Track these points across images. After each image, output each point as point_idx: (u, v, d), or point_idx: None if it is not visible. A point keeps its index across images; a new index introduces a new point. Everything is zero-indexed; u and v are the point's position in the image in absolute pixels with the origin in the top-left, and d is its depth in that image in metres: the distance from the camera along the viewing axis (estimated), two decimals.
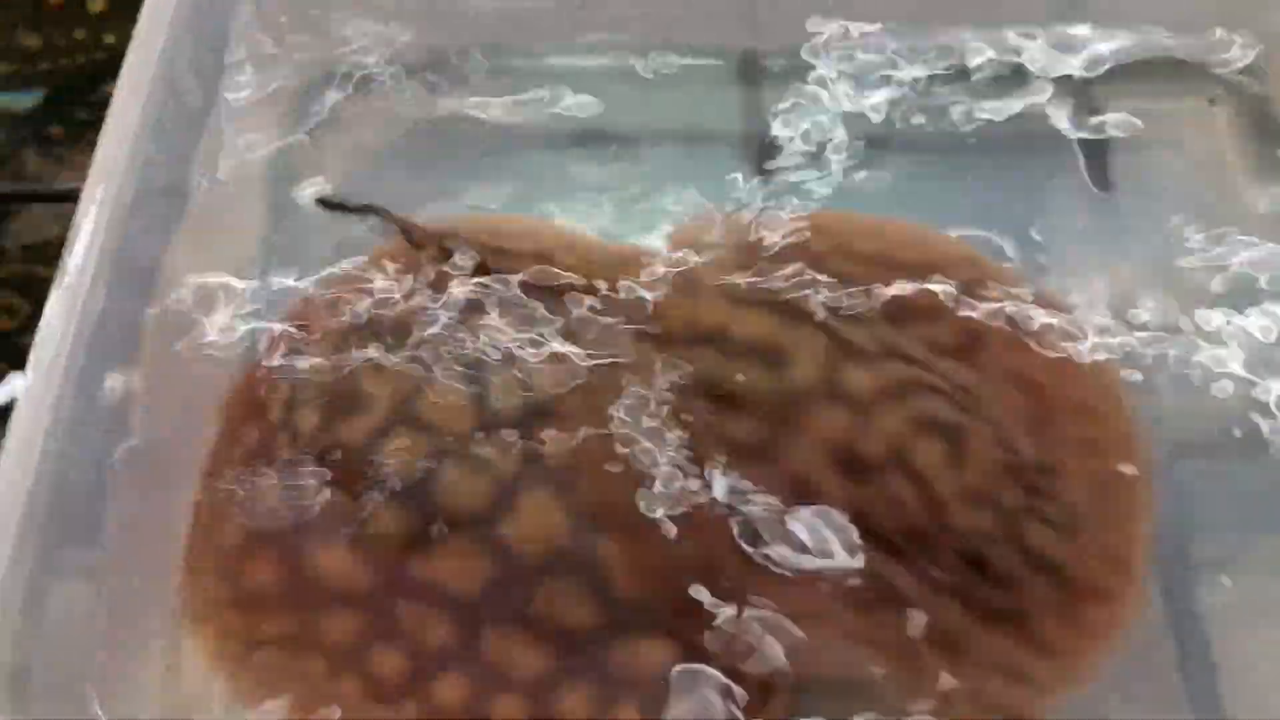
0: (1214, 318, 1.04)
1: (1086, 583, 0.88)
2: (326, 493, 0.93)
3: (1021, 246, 1.11)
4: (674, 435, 0.93)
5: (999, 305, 1.01)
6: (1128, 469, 0.94)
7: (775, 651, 0.87)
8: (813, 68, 1.22)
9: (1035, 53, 1.21)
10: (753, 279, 1.03)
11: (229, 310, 1.07)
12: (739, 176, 1.15)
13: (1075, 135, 1.17)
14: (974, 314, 1.00)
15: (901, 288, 1.02)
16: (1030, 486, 0.90)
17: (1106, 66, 1.21)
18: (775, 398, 0.94)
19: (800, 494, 0.90)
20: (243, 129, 1.18)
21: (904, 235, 1.08)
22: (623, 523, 0.90)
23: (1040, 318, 1.01)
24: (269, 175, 1.17)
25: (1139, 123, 1.18)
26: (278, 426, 0.97)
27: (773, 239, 1.07)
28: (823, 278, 1.02)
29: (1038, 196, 1.15)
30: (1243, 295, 1.06)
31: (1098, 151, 1.17)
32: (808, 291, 1.01)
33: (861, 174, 1.15)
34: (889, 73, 1.22)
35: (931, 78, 1.22)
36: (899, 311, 1.01)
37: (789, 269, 1.03)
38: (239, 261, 1.10)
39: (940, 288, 1.02)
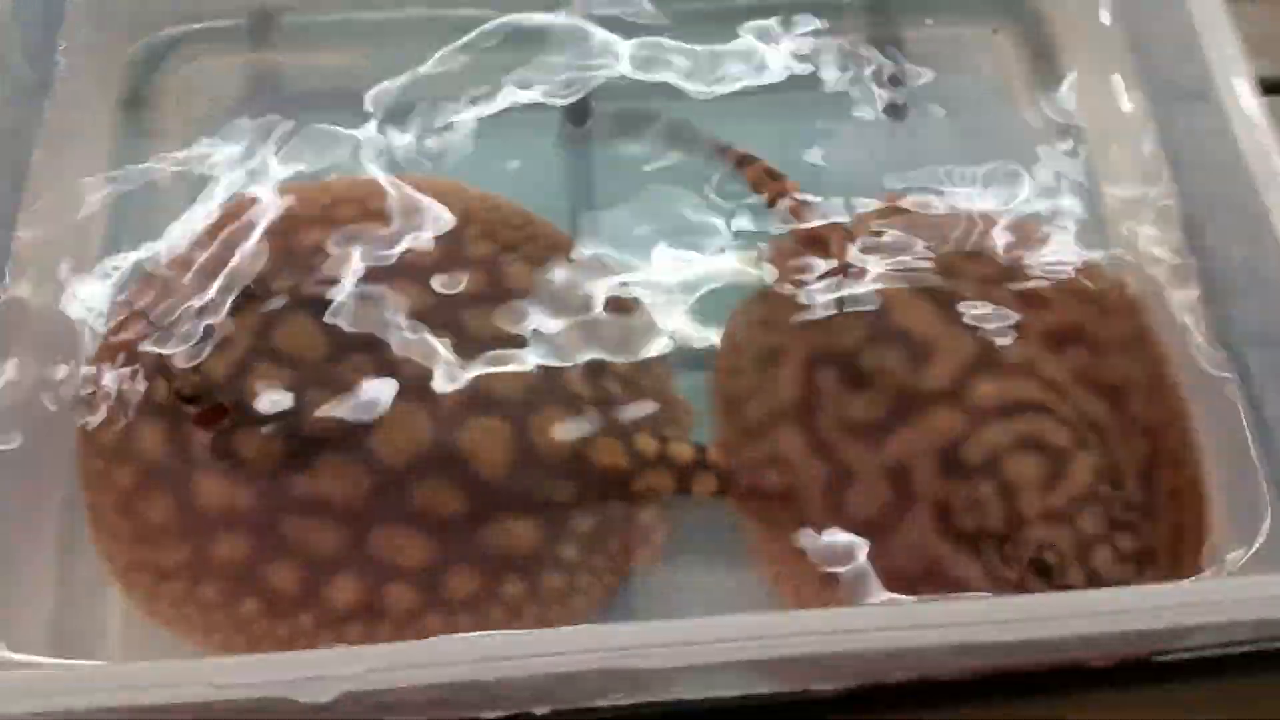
0: None
1: None
2: (201, 432, 0.99)
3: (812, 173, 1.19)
4: None
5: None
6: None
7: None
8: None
9: None
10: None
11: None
12: None
13: (869, 67, 1.27)
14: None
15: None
16: (1116, 521, 0.94)
17: None
18: (900, 385, 1.01)
19: (892, 479, 0.98)
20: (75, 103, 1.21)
21: None
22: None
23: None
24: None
25: (929, 51, 1.28)
26: (151, 371, 1.02)
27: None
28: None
29: (833, 126, 1.25)
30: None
31: (895, 81, 1.27)
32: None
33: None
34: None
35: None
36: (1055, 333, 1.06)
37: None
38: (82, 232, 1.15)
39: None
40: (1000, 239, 1.14)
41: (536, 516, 0.98)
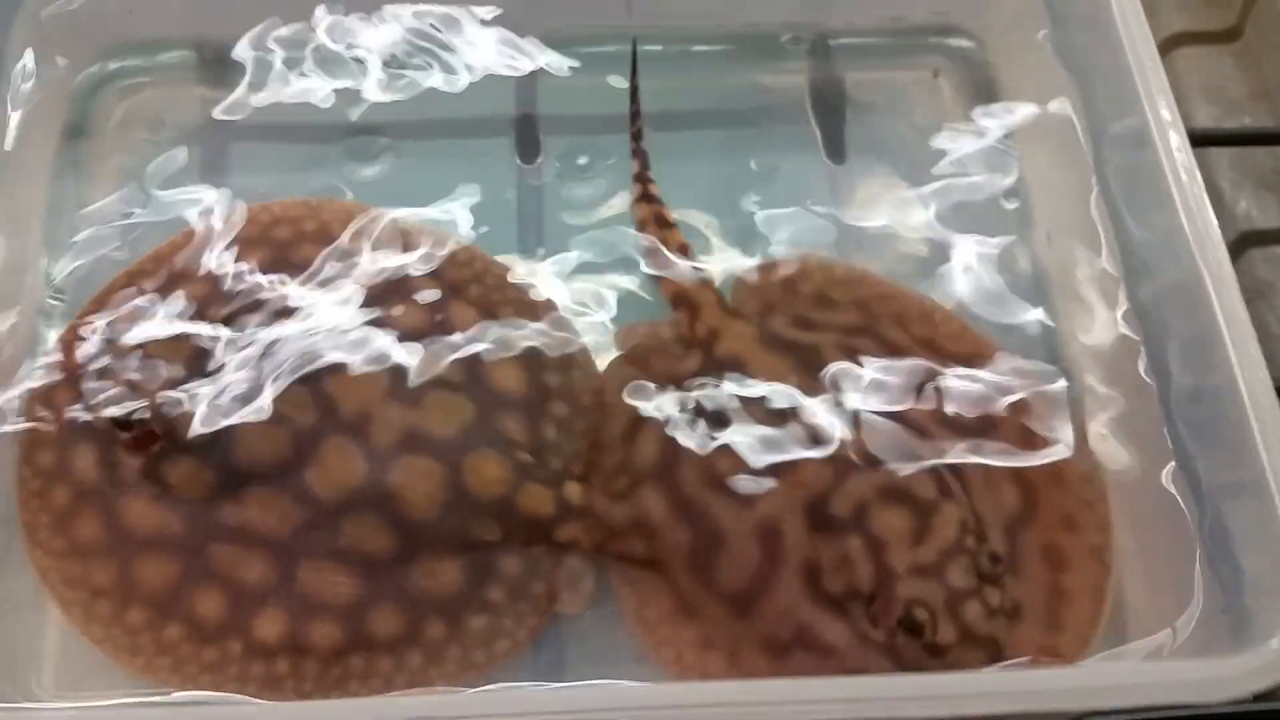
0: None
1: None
2: (133, 457, 1.01)
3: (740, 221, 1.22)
4: None
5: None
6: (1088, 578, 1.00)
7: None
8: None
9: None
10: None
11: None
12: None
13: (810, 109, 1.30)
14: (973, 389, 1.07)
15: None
16: (984, 574, 0.94)
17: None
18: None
19: (761, 531, 0.98)
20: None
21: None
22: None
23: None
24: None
25: (870, 96, 1.30)
26: (81, 394, 1.04)
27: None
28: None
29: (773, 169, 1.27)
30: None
31: (834, 125, 1.29)
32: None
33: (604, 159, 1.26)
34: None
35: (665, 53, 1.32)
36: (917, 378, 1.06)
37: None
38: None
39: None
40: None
41: (463, 558, 1.01)
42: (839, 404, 1.03)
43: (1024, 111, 1.28)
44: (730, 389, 1.05)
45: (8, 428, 1.05)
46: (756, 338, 1.09)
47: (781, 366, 1.06)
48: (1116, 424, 1.09)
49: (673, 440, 1.03)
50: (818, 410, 1.03)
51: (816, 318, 1.12)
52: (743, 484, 1.00)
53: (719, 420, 1.03)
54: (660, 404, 1.06)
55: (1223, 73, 1.57)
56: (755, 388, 1.04)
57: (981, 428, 1.05)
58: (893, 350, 1.08)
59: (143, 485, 1.01)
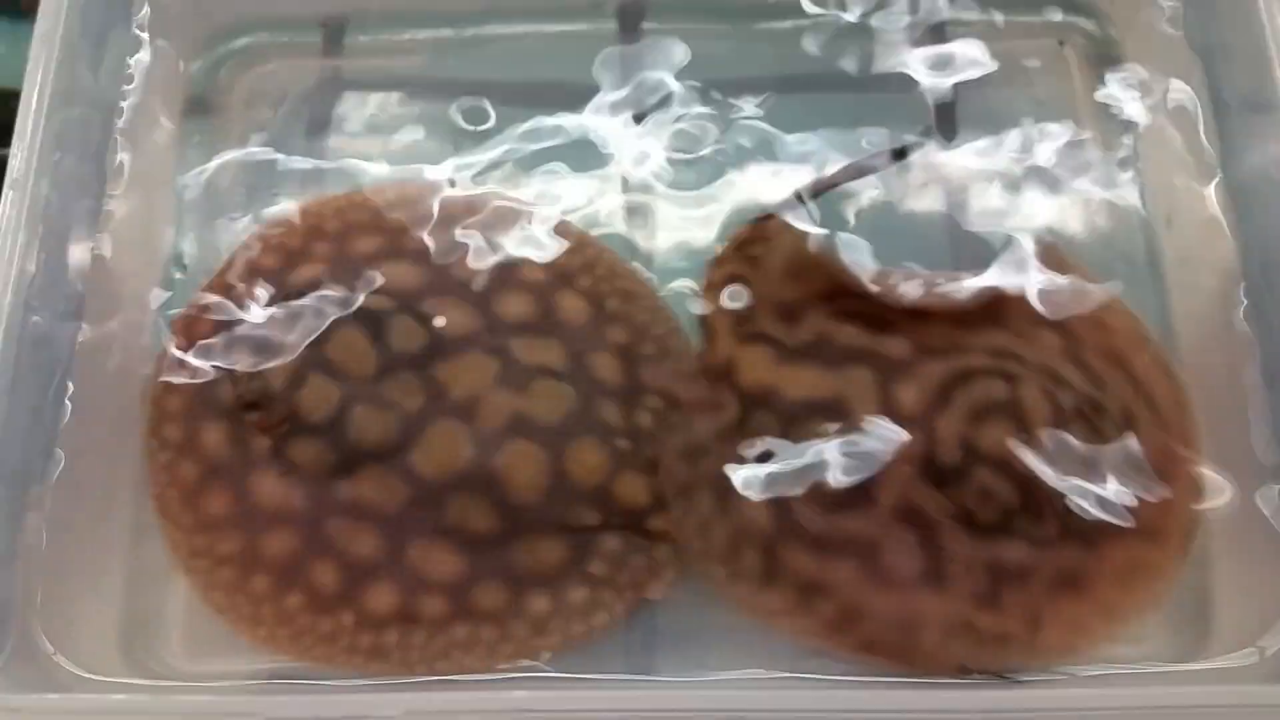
0: None
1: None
2: (260, 435, 1.06)
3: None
4: None
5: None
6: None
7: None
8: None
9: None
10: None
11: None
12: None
13: (928, 84, 1.26)
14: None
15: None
16: (1090, 415, 1.03)
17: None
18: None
19: (902, 518, 1.01)
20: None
21: None
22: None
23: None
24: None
25: (991, 66, 1.26)
26: (206, 370, 1.09)
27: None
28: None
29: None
30: None
31: (947, 105, 1.26)
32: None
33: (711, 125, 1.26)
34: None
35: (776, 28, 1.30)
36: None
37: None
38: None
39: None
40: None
41: (562, 537, 1.05)
42: (878, 383, 1.05)
43: (1147, 89, 1.25)
44: (776, 425, 1.05)
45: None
46: (773, 359, 1.09)
47: (809, 377, 1.06)
48: (1219, 426, 1.08)
49: (772, 503, 1.04)
50: (864, 396, 1.04)
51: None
52: (853, 496, 1.02)
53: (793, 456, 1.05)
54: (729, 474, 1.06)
55: None
56: (797, 410, 1.06)
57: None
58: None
59: (269, 462, 1.06)
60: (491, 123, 1.27)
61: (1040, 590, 1.00)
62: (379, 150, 1.26)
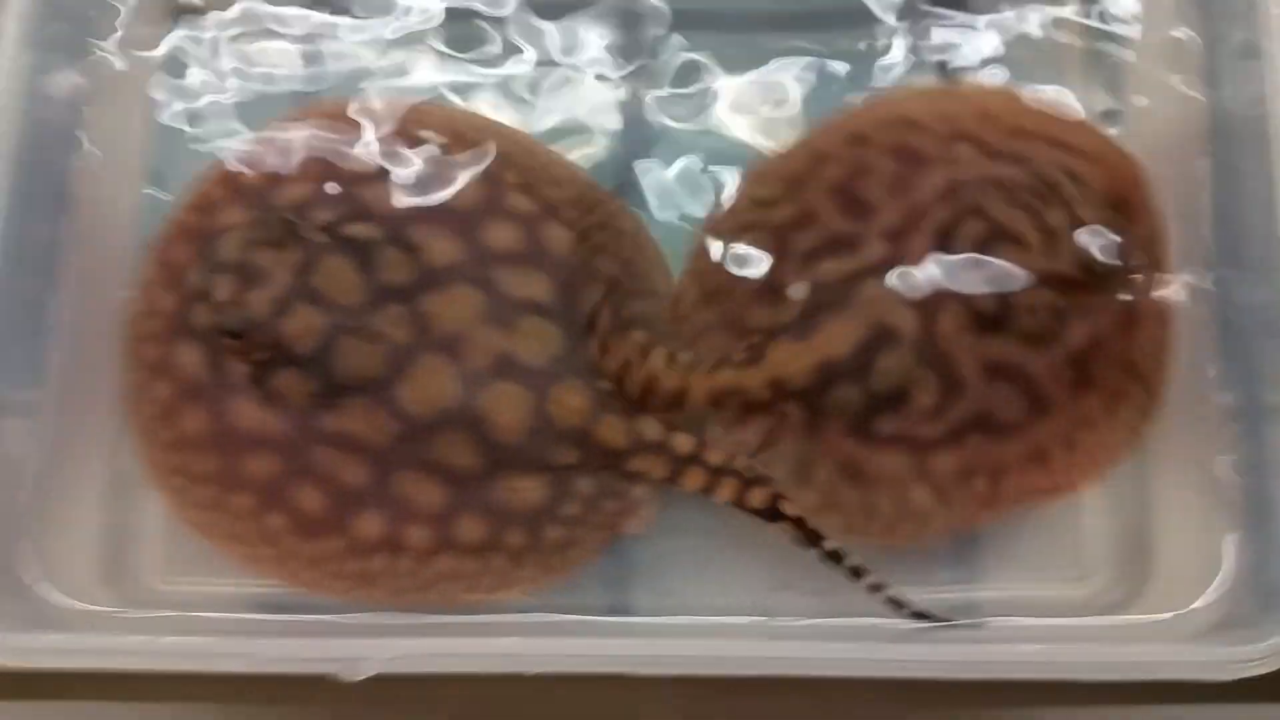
0: None
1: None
2: (239, 362, 1.05)
3: None
4: None
5: None
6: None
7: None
8: None
9: None
10: None
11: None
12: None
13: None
14: None
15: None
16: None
17: None
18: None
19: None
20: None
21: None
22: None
23: None
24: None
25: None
26: (194, 294, 1.07)
27: None
28: None
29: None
30: None
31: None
32: None
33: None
34: None
35: None
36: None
37: None
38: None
39: None
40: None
41: (542, 476, 1.07)
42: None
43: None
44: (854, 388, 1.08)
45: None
46: (796, 346, 1.09)
47: (840, 332, 1.08)
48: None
49: None
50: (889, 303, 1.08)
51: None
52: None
53: None
54: None
55: None
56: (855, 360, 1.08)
57: None
58: None
59: (249, 388, 1.06)
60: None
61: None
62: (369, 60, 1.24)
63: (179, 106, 1.21)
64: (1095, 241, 1.08)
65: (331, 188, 1.12)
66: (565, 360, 1.08)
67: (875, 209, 1.12)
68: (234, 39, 1.23)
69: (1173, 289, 1.14)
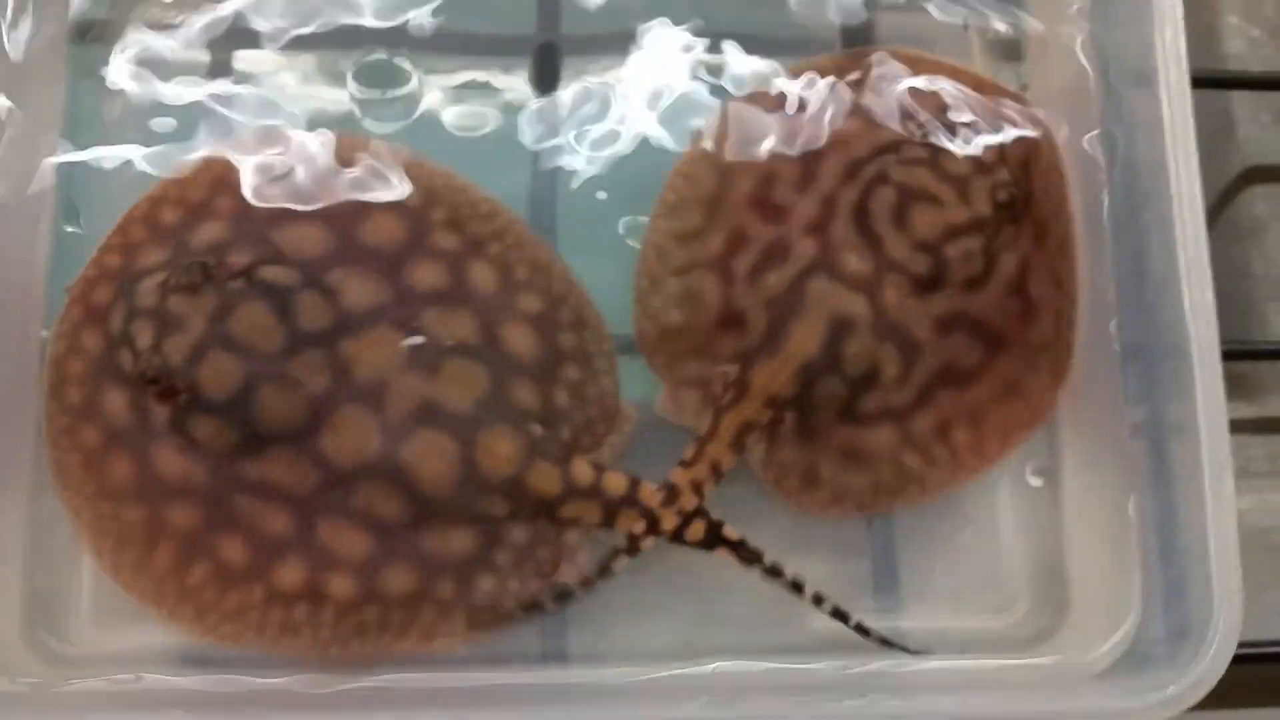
0: None
1: None
2: (162, 407, 1.03)
3: None
4: None
5: None
6: None
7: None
8: None
9: None
10: None
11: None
12: None
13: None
14: None
15: None
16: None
17: None
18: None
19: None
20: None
21: None
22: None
23: None
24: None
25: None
26: (117, 340, 1.05)
27: None
28: None
29: None
30: None
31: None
32: None
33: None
34: None
35: None
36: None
37: None
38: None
39: None
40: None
41: (472, 526, 1.07)
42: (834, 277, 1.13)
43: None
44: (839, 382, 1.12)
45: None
46: (771, 366, 1.11)
47: (802, 335, 1.11)
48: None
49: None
50: (839, 296, 1.12)
51: None
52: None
53: None
54: None
55: None
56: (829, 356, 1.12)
57: None
58: None
59: (170, 434, 1.05)
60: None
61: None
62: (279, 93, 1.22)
63: (92, 140, 1.18)
64: (996, 176, 1.13)
65: (249, 227, 1.10)
66: (492, 403, 1.07)
67: (792, 208, 1.14)
68: (144, 72, 1.20)
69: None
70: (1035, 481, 1.18)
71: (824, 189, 1.14)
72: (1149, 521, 1.13)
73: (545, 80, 1.25)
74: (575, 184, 1.21)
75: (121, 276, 1.08)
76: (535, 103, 1.24)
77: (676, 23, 1.25)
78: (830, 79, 1.19)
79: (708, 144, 1.17)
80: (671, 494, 1.09)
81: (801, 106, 1.17)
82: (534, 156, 1.22)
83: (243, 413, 1.03)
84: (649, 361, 1.14)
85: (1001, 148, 1.15)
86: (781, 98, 1.18)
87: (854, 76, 1.19)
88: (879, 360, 1.11)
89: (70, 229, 1.16)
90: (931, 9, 1.28)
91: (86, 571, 1.10)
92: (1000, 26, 1.28)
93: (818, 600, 1.10)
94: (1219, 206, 1.48)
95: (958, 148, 1.14)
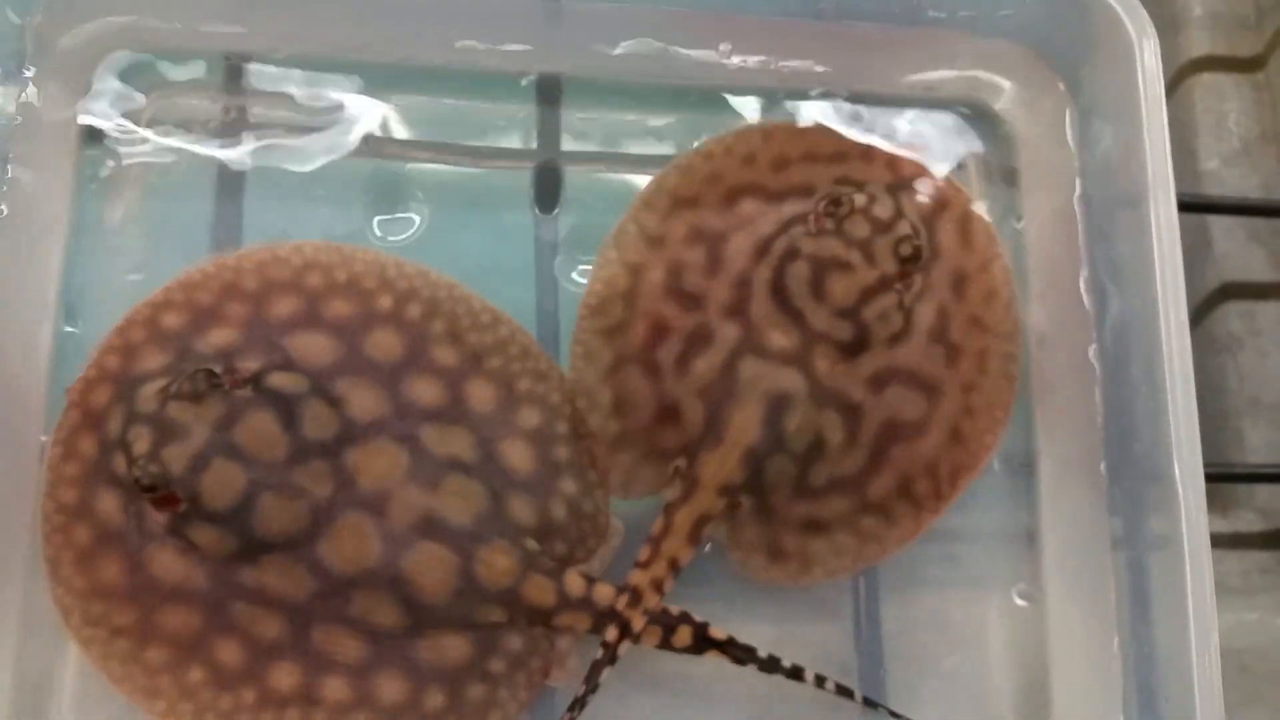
0: None
1: None
2: (160, 514, 1.03)
3: None
4: None
5: None
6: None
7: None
8: None
9: None
10: None
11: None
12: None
13: None
14: None
15: None
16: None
17: None
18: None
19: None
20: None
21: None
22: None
23: None
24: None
25: None
26: (113, 443, 1.05)
27: None
28: None
29: None
30: None
31: None
32: None
33: None
34: None
35: None
36: None
37: None
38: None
39: None
40: None
41: (466, 634, 1.08)
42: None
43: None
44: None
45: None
46: (741, 455, 1.13)
47: (744, 422, 1.13)
48: None
49: None
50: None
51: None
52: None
53: None
54: None
55: (1240, 106, 1.58)
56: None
57: None
58: None
59: (166, 538, 1.04)
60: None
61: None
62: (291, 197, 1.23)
63: (95, 240, 1.19)
64: (897, 232, 1.16)
65: (256, 333, 1.10)
66: (491, 519, 1.08)
67: (707, 295, 1.17)
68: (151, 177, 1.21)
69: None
70: (1021, 603, 1.20)
71: (735, 271, 1.17)
72: (1131, 645, 1.15)
73: (546, 198, 1.27)
74: (578, 295, 1.22)
75: (121, 377, 1.08)
76: (537, 218, 1.26)
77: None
78: (714, 165, 1.21)
79: (612, 251, 1.19)
80: (634, 596, 1.10)
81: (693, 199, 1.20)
82: (538, 269, 1.24)
83: (243, 521, 1.03)
84: (602, 480, 1.15)
85: (897, 204, 1.18)
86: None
87: (747, 153, 1.22)
88: (822, 429, 1.13)
89: (69, 329, 1.16)
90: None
91: (71, 673, 1.09)
92: (992, 153, 1.32)
93: (820, 681, 1.12)
94: (1195, 322, 1.51)
95: (856, 211, 1.16)
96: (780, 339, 1.14)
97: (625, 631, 1.09)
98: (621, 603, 1.09)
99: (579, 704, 1.08)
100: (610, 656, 1.09)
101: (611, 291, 1.18)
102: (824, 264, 1.14)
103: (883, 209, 1.16)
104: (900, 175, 1.22)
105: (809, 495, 1.14)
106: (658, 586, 1.10)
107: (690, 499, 1.12)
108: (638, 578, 1.10)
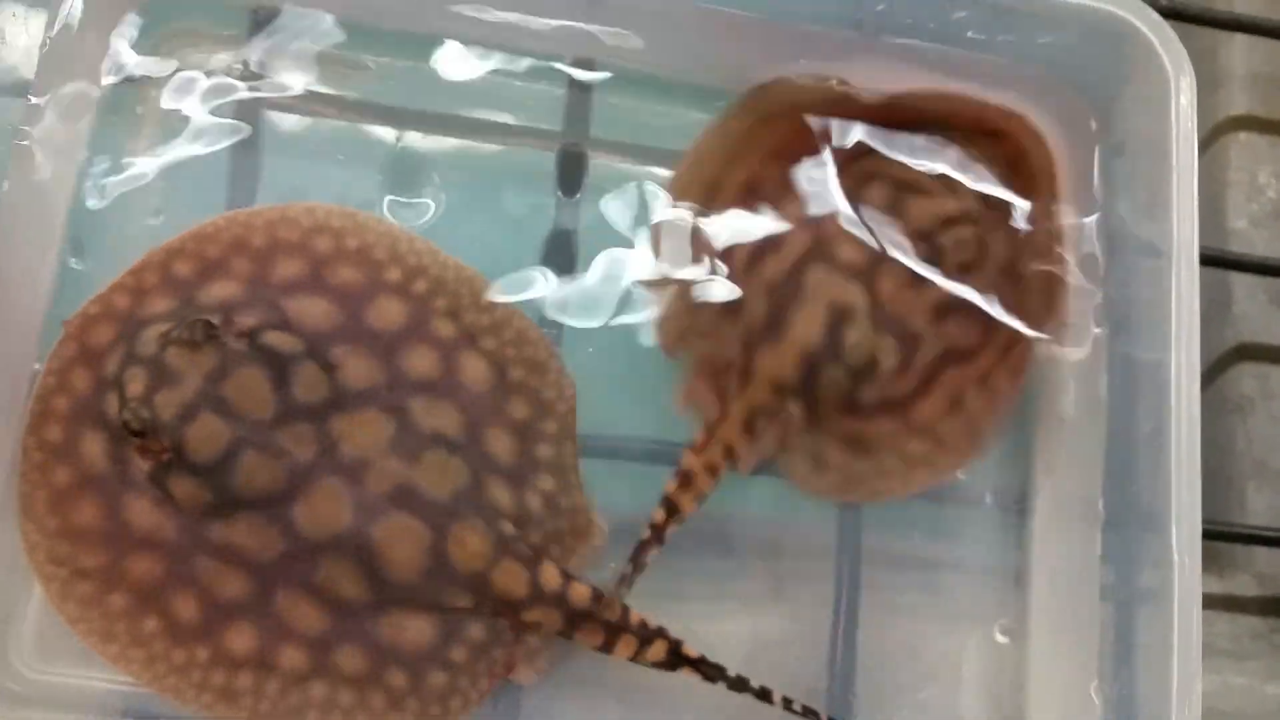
0: None
1: None
2: (142, 461, 1.02)
3: None
4: None
5: None
6: None
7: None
8: None
9: None
10: None
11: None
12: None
13: None
14: None
15: None
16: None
17: None
18: None
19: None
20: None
21: None
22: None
23: None
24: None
25: None
26: (108, 380, 1.05)
27: None
28: None
29: None
30: None
31: None
32: None
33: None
34: None
35: None
36: None
37: None
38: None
39: None
40: None
41: (432, 616, 1.06)
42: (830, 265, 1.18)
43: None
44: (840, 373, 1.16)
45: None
46: (776, 354, 1.15)
47: (803, 327, 1.15)
48: None
49: None
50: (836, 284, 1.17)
51: None
52: None
53: None
54: None
55: (1274, 168, 1.56)
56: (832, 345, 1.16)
57: None
58: None
59: (145, 486, 1.04)
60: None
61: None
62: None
63: (111, 181, 1.18)
64: (982, 176, 1.20)
65: (260, 291, 1.09)
66: (467, 497, 1.07)
67: (784, 203, 1.19)
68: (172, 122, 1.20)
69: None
70: (1002, 639, 1.18)
71: (813, 187, 1.19)
72: (1111, 693, 1.13)
73: (570, 182, 1.26)
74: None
75: (125, 318, 1.07)
76: (557, 200, 1.25)
77: None
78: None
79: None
80: (685, 479, 1.12)
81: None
82: (548, 251, 1.23)
83: (222, 476, 1.02)
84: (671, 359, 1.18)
85: (984, 149, 1.21)
86: None
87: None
88: (878, 351, 1.15)
89: (75, 264, 1.15)
90: None
91: (34, 610, 1.08)
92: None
93: (787, 703, 1.09)
94: (1208, 379, 1.49)
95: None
96: (850, 252, 1.16)
97: (673, 513, 1.10)
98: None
99: (627, 581, 1.10)
100: (658, 537, 1.11)
101: (698, 175, 1.21)
102: (905, 186, 1.18)
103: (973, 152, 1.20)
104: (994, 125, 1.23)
105: (857, 412, 1.16)
106: (712, 470, 1.12)
107: (745, 390, 1.13)
108: (690, 460, 1.12)
